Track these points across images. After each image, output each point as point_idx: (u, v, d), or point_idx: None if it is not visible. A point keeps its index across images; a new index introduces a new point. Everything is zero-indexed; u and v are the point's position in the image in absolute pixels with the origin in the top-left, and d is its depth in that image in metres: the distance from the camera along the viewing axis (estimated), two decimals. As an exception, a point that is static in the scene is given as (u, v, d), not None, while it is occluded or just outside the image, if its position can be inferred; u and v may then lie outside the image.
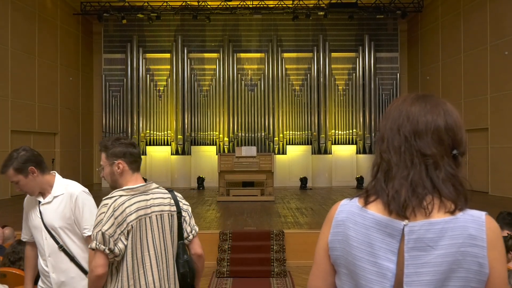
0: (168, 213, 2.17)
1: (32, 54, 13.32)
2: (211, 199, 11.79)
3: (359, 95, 15.69)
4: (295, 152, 15.59)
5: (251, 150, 11.37)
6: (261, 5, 15.31)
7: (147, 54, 15.97)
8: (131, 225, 2.05)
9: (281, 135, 15.58)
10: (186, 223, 2.26)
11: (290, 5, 15.20)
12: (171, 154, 15.61)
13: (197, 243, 2.31)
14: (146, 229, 2.10)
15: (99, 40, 16.58)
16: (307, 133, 15.70)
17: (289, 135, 15.70)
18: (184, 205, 2.29)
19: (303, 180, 14.72)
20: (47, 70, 14.07)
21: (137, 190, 2.13)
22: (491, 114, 12.13)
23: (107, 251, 1.98)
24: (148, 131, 15.80)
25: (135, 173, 2.22)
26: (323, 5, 15.12)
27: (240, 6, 15.14)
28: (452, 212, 1.05)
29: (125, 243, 2.04)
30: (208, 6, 15.24)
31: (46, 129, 13.99)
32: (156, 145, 15.78)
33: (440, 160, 1.06)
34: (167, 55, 15.88)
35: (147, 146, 15.73)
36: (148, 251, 2.09)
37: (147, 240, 2.10)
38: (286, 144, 15.65)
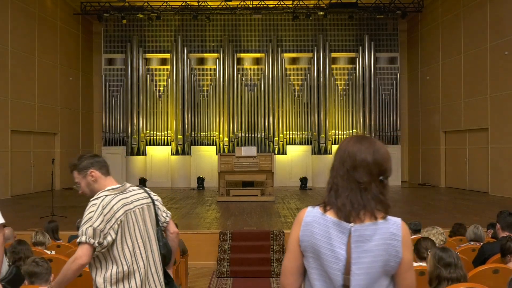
0: (146, 205, 2.49)
1: (32, 54, 13.32)
2: (211, 199, 11.78)
3: (359, 95, 15.68)
4: (295, 152, 15.58)
5: (251, 150, 11.37)
6: (261, 5, 15.31)
7: (147, 54, 15.97)
8: (120, 219, 2.31)
9: (281, 135, 15.58)
10: (160, 210, 2.59)
11: (290, 5, 15.20)
12: (171, 154, 15.61)
13: (172, 224, 2.67)
14: (133, 222, 2.38)
15: (99, 40, 16.58)
16: (307, 133, 15.70)
17: (289, 135, 15.70)
18: (155, 196, 2.62)
19: (303, 180, 14.72)
20: (47, 70, 14.07)
21: (118, 190, 2.42)
22: (491, 114, 12.13)
23: (96, 245, 2.22)
24: (148, 131, 15.79)
25: (107, 176, 2.51)
26: (323, 5, 15.12)
27: (240, 6, 15.14)
28: (377, 219, 1.54)
29: (114, 236, 2.28)
30: (208, 6, 15.24)
31: (46, 129, 13.99)
32: (156, 145, 15.78)
33: (369, 186, 1.55)
34: (167, 55, 15.87)
35: (147, 146, 15.72)
36: (137, 240, 2.38)
37: (134, 231, 2.39)
38: (286, 144, 15.65)
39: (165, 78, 15.96)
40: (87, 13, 15.80)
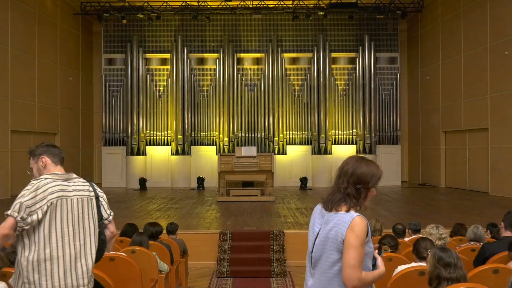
0: (87, 197, 2.61)
1: (32, 54, 13.32)
2: (211, 199, 11.78)
3: (359, 95, 15.68)
4: (295, 152, 15.58)
5: (251, 150, 11.37)
6: (261, 5, 15.31)
7: (147, 54, 15.97)
8: (51, 201, 2.44)
9: (281, 135, 15.58)
10: (104, 207, 2.76)
11: (290, 5, 15.20)
12: (171, 154, 15.61)
13: (113, 224, 2.86)
14: (67, 209, 2.49)
15: (99, 40, 16.58)
16: (307, 133, 15.69)
17: (289, 135, 15.69)
18: (100, 192, 2.76)
19: (303, 180, 14.72)
20: (47, 70, 14.07)
21: (61, 176, 2.56)
22: (491, 114, 12.13)
23: (19, 219, 2.37)
24: (148, 131, 15.79)
25: (58, 165, 2.67)
26: (323, 5, 15.12)
27: (240, 6, 15.14)
28: (338, 211, 2.16)
29: (40, 216, 2.40)
30: (208, 6, 15.24)
31: (46, 129, 13.99)
32: (156, 145, 15.77)
33: (346, 190, 2.18)
34: (167, 55, 15.87)
35: (147, 146, 15.72)
36: (68, 228, 2.48)
37: (67, 218, 2.49)
38: (286, 144, 15.65)
39: (165, 78, 15.96)
40: (87, 13, 15.80)
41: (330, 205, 2.19)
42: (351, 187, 2.15)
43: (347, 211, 2.13)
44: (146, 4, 15.23)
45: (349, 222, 2.08)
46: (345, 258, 2.08)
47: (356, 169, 2.17)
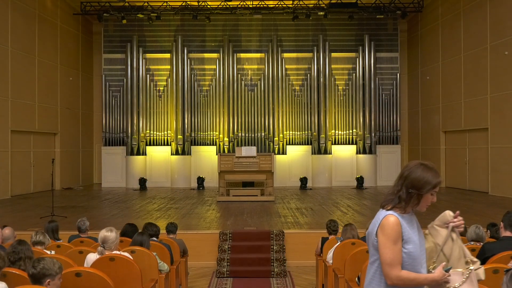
0: None
1: (32, 54, 13.32)
2: (211, 199, 11.78)
3: (359, 95, 15.68)
4: (295, 152, 15.58)
5: (251, 150, 11.37)
6: (261, 5, 15.31)
7: (147, 54, 15.96)
8: None
9: (281, 135, 15.57)
10: None
11: (290, 5, 15.19)
12: (171, 154, 15.60)
13: None
14: None
15: (99, 40, 16.58)
16: (307, 133, 15.69)
17: (289, 135, 15.69)
18: None
19: (303, 180, 14.72)
20: (47, 70, 14.07)
21: None
22: (491, 114, 12.12)
23: None
24: (148, 131, 15.79)
25: None
26: (323, 5, 15.12)
27: (240, 6, 15.14)
28: (381, 210, 2.29)
29: None
30: (208, 6, 15.24)
31: (46, 129, 13.99)
32: (156, 145, 15.77)
33: (398, 193, 2.24)
34: (167, 55, 15.87)
35: (147, 146, 15.72)
36: None
37: None
38: (286, 144, 15.65)
39: (165, 78, 15.96)
40: (87, 13, 15.80)
41: (382, 203, 2.30)
42: (404, 190, 2.21)
43: (388, 209, 2.23)
44: (146, 4, 15.23)
45: (380, 221, 2.21)
46: (380, 256, 2.19)
47: (411, 174, 2.22)
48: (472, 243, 4.39)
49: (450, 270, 2.19)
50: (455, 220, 2.28)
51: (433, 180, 2.18)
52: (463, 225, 2.29)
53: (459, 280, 2.19)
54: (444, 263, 2.21)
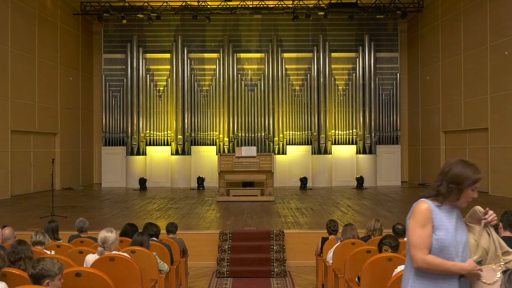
0: None
1: (32, 54, 13.33)
2: (211, 199, 11.78)
3: (359, 95, 15.68)
4: (295, 152, 15.58)
5: (251, 150, 11.37)
6: (261, 5, 15.31)
7: (147, 54, 15.96)
8: None
9: (281, 135, 15.57)
10: None
11: (290, 5, 15.19)
12: (171, 154, 15.61)
13: None
14: None
15: (99, 40, 16.58)
16: (307, 133, 15.69)
17: (289, 135, 15.69)
18: None
19: (303, 180, 14.72)
20: (47, 70, 14.07)
21: None
22: (491, 114, 12.13)
23: None
24: (148, 131, 15.79)
25: None
26: (323, 5, 15.12)
27: (240, 6, 15.14)
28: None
29: None
30: (208, 6, 15.24)
31: (46, 129, 13.99)
32: (156, 145, 15.77)
33: (438, 187, 2.31)
34: (167, 55, 15.87)
35: (147, 146, 15.72)
36: None
37: None
38: (286, 144, 15.65)
39: (165, 78, 15.96)
40: (87, 13, 15.80)
41: (420, 195, 2.39)
42: (444, 185, 2.27)
43: (425, 198, 2.33)
44: (146, 4, 15.23)
45: (412, 207, 2.32)
46: (408, 239, 2.30)
47: (451, 169, 2.28)
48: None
49: (483, 267, 2.21)
50: (487, 216, 2.34)
51: (473, 176, 2.25)
52: (495, 220, 2.36)
53: (492, 277, 2.20)
54: (476, 257, 2.24)
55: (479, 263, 2.22)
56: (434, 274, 2.24)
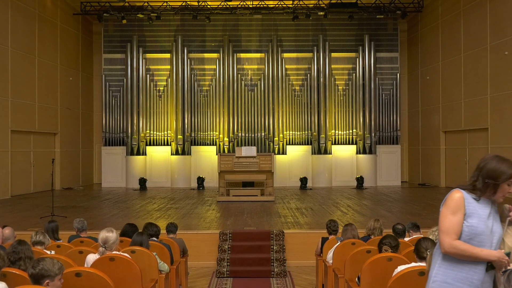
0: None
1: (32, 54, 13.33)
2: (211, 199, 11.78)
3: (359, 95, 15.68)
4: (295, 152, 15.58)
5: (251, 150, 11.37)
6: (261, 5, 15.31)
7: (147, 54, 15.96)
8: None
9: (281, 135, 15.57)
10: None
11: (290, 5, 15.19)
12: (171, 154, 15.60)
13: None
14: None
15: (99, 40, 16.58)
16: (307, 133, 15.69)
17: (289, 135, 15.69)
18: None
19: (303, 180, 14.72)
20: (47, 70, 14.07)
21: None
22: (491, 114, 12.12)
23: None
24: (148, 131, 15.79)
25: None
26: (323, 5, 15.12)
27: (240, 6, 15.14)
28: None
29: None
30: (208, 6, 15.24)
31: (46, 129, 13.99)
32: (156, 145, 15.77)
33: (474, 182, 2.36)
34: (167, 55, 15.87)
35: (147, 146, 15.72)
36: None
37: None
38: (286, 144, 15.65)
39: (165, 78, 15.96)
40: (87, 13, 15.80)
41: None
42: (480, 181, 2.33)
43: (463, 189, 2.39)
44: (146, 4, 15.23)
45: (447, 195, 2.39)
46: (438, 225, 2.37)
47: (487, 165, 2.34)
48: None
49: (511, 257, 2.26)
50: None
51: (508, 170, 2.30)
52: None
53: None
54: (504, 250, 2.28)
55: (508, 255, 2.26)
56: (461, 261, 2.27)
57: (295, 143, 15.69)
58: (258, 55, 15.93)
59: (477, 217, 2.28)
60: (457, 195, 2.33)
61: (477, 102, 12.75)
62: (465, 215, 2.29)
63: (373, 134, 15.52)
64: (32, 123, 13.28)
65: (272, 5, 15.39)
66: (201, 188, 14.67)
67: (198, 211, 9.60)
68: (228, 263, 6.68)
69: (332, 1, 14.75)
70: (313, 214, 9.21)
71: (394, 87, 15.87)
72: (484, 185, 2.32)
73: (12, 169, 12.30)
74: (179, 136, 15.47)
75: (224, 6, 14.96)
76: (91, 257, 3.96)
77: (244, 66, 15.96)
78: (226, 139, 15.42)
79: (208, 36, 15.97)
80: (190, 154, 15.56)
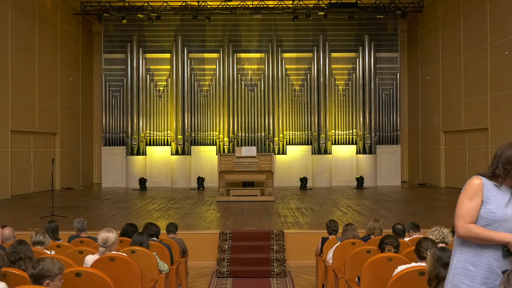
0: None
1: (32, 54, 13.33)
2: (211, 199, 11.78)
3: (359, 95, 15.68)
4: (295, 152, 15.58)
5: (251, 150, 11.37)
6: (261, 5, 15.31)
7: (147, 54, 15.96)
8: None
9: (281, 135, 15.58)
10: None
11: (290, 5, 15.19)
12: (171, 154, 15.60)
13: None
14: None
15: (99, 40, 16.58)
16: (307, 133, 15.69)
17: (289, 135, 15.69)
18: None
19: (303, 180, 14.72)
20: (47, 70, 14.07)
21: None
22: (491, 114, 12.13)
23: None
24: (148, 131, 15.79)
25: None
26: (323, 5, 15.11)
27: (240, 6, 15.14)
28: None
29: None
30: (208, 6, 15.24)
31: (46, 129, 13.99)
32: (156, 145, 15.77)
33: (494, 170, 2.35)
34: (167, 55, 15.87)
35: (147, 146, 15.72)
36: None
37: None
38: (286, 144, 15.65)
39: (165, 78, 15.96)
40: (87, 13, 15.80)
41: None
42: (500, 167, 2.34)
43: (482, 176, 2.39)
44: (146, 4, 15.23)
45: (467, 182, 2.40)
46: (455, 210, 2.38)
47: (504, 152, 2.36)
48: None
49: None
50: None
51: None
52: None
53: None
54: None
55: None
56: (480, 247, 2.26)
57: (295, 143, 15.69)
58: (258, 55, 15.93)
59: (495, 203, 2.29)
60: (476, 182, 2.34)
61: (477, 102, 12.75)
62: (482, 202, 2.30)
63: (373, 134, 15.52)
64: (32, 123, 13.28)
65: (272, 5, 15.39)
66: (201, 188, 14.67)
67: (198, 211, 9.60)
68: (228, 263, 6.68)
69: (332, 1, 14.75)
70: (313, 214, 9.21)
71: (394, 87, 15.87)
72: (504, 171, 2.32)
73: (12, 169, 12.30)
74: (179, 136, 15.47)
75: (224, 6, 14.96)
76: (90, 258, 3.96)
77: (244, 66, 15.96)
78: (226, 139, 15.42)
79: (208, 36, 15.97)
80: (190, 154, 15.56)
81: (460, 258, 2.34)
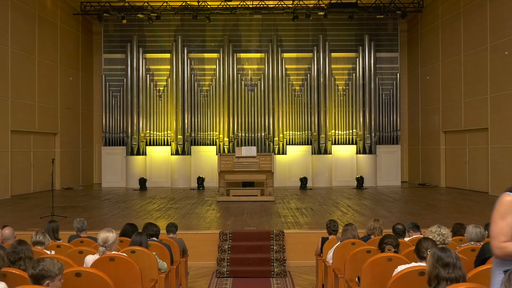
0: None
1: (32, 54, 13.32)
2: (211, 199, 11.78)
3: (359, 95, 15.68)
4: (295, 152, 15.58)
5: (251, 150, 11.37)
6: (261, 5, 15.31)
7: (147, 54, 15.96)
8: None
9: (281, 135, 15.58)
10: None
11: (290, 5, 15.19)
12: (171, 154, 15.60)
13: None
14: None
15: (99, 40, 16.58)
16: (307, 133, 15.69)
17: (289, 135, 15.69)
18: None
19: (303, 180, 14.72)
20: (47, 70, 14.07)
21: None
22: (491, 114, 12.12)
23: None
24: (148, 131, 15.79)
25: None
26: (323, 5, 15.12)
27: (240, 6, 15.14)
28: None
29: None
30: (208, 6, 15.24)
31: (46, 129, 13.99)
32: (156, 145, 15.77)
33: None
34: (167, 55, 15.87)
35: (147, 146, 15.72)
36: None
37: None
38: (286, 144, 15.65)
39: (165, 78, 15.96)
40: (87, 13, 15.80)
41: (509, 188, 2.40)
42: None
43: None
44: (146, 4, 15.23)
45: (498, 199, 2.35)
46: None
47: None
48: (472, 243, 4.39)
49: None
50: None
51: None
52: None
53: None
54: None
55: None
56: None
57: (295, 143, 15.69)
58: (258, 55, 15.94)
59: None
60: (507, 199, 2.26)
61: (477, 102, 12.75)
62: None
63: (373, 134, 15.52)
64: (32, 123, 13.28)
65: (272, 5, 15.39)
66: (201, 188, 14.67)
67: (198, 211, 9.60)
68: (228, 263, 6.68)
69: (332, 1, 14.75)
70: (313, 214, 9.21)
71: (394, 87, 15.87)
72: None
73: (12, 169, 12.30)
74: (179, 136, 15.47)
75: (224, 6, 14.96)
76: (90, 258, 3.96)
77: (244, 66, 15.96)
78: (226, 139, 15.41)
79: (208, 36, 15.97)
80: (190, 154, 15.56)
81: (499, 279, 2.25)
